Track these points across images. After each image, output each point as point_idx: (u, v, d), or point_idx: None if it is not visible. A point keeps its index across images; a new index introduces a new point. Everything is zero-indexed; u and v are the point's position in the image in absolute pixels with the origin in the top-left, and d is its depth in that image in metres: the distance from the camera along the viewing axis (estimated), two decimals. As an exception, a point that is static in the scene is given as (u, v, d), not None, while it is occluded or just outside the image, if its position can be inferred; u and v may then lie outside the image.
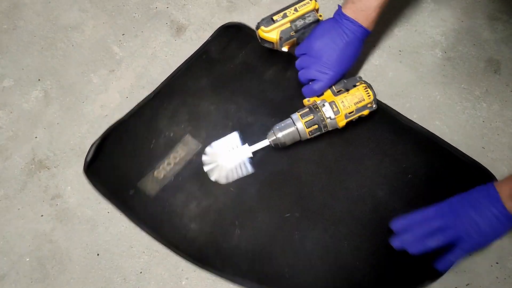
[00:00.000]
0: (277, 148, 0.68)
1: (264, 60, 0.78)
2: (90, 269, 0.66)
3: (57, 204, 0.71)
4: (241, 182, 0.68)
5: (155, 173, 0.69)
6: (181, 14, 0.87)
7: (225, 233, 0.66)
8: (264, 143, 0.68)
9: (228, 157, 0.67)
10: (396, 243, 0.61)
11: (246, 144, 0.68)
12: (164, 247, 0.67)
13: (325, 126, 0.66)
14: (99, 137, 0.72)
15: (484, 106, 0.75)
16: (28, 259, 0.67)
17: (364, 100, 0.66)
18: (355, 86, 0.67)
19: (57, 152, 0.74)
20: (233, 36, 0.81)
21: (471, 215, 0.57)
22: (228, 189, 0.68)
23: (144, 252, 0.67)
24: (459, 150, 0.71)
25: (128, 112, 0.75)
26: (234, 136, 0.68)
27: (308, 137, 0.67)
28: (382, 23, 0.83)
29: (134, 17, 0.87)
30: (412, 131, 0.72)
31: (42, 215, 0.70)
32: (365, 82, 0.67)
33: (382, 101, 0.75)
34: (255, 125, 0.73)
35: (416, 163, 0.70)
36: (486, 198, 0.57)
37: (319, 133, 0.67)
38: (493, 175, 0.68)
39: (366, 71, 0.79)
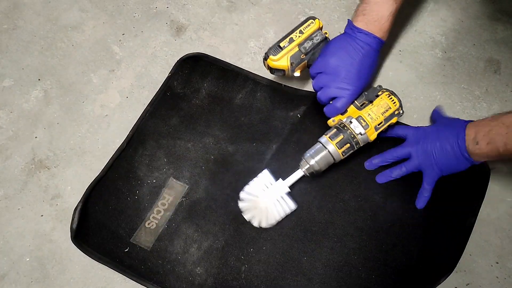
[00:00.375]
0: (312, 176, 0.65)
1: (229, 87, 0.77)
2: (90, 269, 0.66)
3: (57, 204, 0.71)
4: (236, 215, 0.66)
5: (147, 224, 0.67)
6: (181, 14, 0.87)
7: (233, 271, 0.64)
8: (299, 173, 0.65)
9: (265, 197, 0.64)
10: (367, 163, 0.69)
11: (280, 179, 0.65)
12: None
13: (357, 143, 0.63)
14: (80, 200, 0.68)
15: (484, 106, 0.75)
16: (28, 259, 0.67)
17: (390, 108, 0.64)
18: (377, 96, 0.65)
19: (57, 152, 0.74)
20: (193, 68, 0.79)
21: (436, 149, 0.62)
22: (225, 225, 0.66)
23: (144, 252, 0.67)
24: None
25: (104, 167, 0.71)
26: (266, 174, 0.65)
27: (342, 158, 0.64)
28: (382, 23, 0.84)
29: (134, 17, 0.87)
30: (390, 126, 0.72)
31: (42, 215, 0.70)
32: (387, 90, 0.65)
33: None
34: (237, 153, 0.71)
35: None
36: (453, 137, 0.61)
37: (352, 151, 0.64)
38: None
39: (366, 71, 0.79)
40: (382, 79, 0.78)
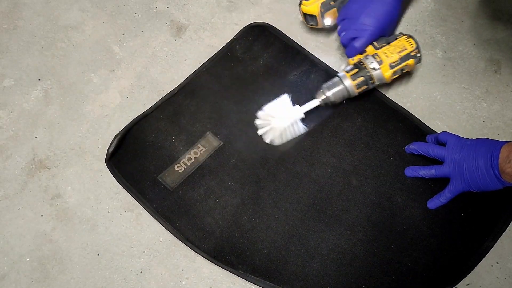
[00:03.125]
0: (326, 106, 0.71)
1: (287, 62, 0.78)
2: (90, 269, 0.66)
3: (57, 204, 0.71)
4: (259, 180, 0.69)
5: (176, 167, 0.71)
6: (181, 14, 0.87)
7: (242, 230, 0.66)
8: (314, 103, 0.70)
9: (280, 118, 0.70)
10: (406, 147, 0.70)
11: (297, 105, 0.71)
12: (166, 246, 0.67)
13: (371, 78, 0.68)
14: (123, 129, 0.73)
15: (485, 106, 0.75)
16: (28, 259, 0.67)
17: (406, 49, 0.68)
18: (396, 39, 0.69)
19: (57, 152, 0.74)
20: (258, 36, 0.82)
21: (468, 163, 0.62)
22: (246, 186, 0.69)
23: (144, 252, 0.67)
24: None
25: (152, 106, 0.76)
26: (285, 98, 0.71)
27: (356, 92, 0.69)
28: (383, 23, 0.84)
29: (134, 17, 0.87)
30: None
31: (42, 215, 0.70)
32: (407, 34, 0.69)
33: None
34: None
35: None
36: (487, 153, 0.60)
37: (366, 87, 0.69)
38: None
39: (366, 71, 0.79)
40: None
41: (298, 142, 0.72)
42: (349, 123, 0.73)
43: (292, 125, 0.70)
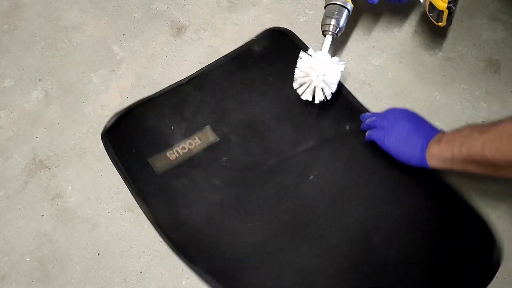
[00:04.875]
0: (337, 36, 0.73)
1: None
2: (90, 269, 0.66)
3: (57, 204, 0.71)
4: (245, 184, 0.69)
5: (168, 153, 0.71)
6: (181, 14, 0.87)
7: (211, 229, 0.66)
8: (328, 40, 0.72)
9: (314, 74, 0.69)
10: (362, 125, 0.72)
11: (318, 51, 0.71)
12: (166, 246, 0.67)
13: None
14: (125, 108, 0.75)
15: (484, 106, 0.75)
16: (28, 259, 0.67)
17: None
18: None
19: (58, 152, 0.75)
20: (276, 41, 0.82)
21: (404, 128, 0.64)
22: (230, 189, 0.69)
23: (144, 252, 0.67)
24: (469, 203, 0.67)
25: (159, 91, 0.77)
26: (304, 55, 0.71)
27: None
28: (382, 23, 0.84)
29: (134, 17, 0.87)
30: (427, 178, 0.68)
31: (42, 215, 0.70)
32: None
33: (382, 100, 0.75)
34: (276, 131, 0.73)
35: (423, 207, 0.66)
36: (426, 130, 0.63)
37: None
38: (495, 238, 0.63)
39: (366, 71, 0.79)
40: (382, 79, 0.78)
41: (291, 158, 0.70)
42: (348, 150, 0.71)
43: (327, 72, 0.69)
